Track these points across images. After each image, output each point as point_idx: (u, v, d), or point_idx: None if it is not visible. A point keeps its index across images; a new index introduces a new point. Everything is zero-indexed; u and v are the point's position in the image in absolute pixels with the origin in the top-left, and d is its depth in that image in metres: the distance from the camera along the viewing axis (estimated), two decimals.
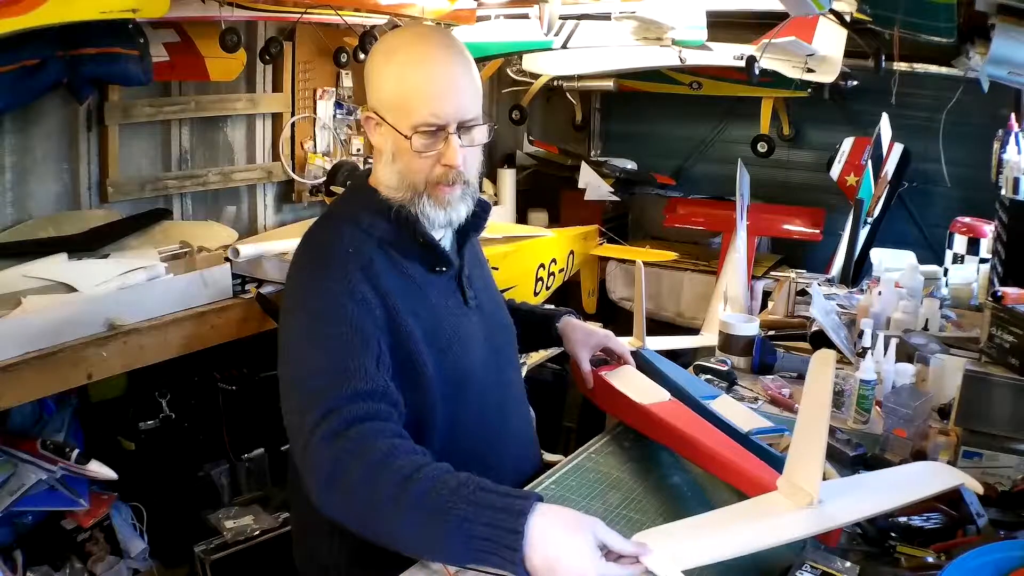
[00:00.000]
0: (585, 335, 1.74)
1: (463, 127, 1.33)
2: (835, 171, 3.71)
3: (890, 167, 3.57)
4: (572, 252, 3.83)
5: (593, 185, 4.04)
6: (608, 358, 1.82)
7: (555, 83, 4.29)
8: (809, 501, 1.16)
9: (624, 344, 1.80)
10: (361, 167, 3.29)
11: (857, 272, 3.27)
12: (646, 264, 2.23)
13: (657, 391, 1.67)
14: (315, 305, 1.28)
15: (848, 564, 1.21)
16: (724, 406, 1.67)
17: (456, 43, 1.37)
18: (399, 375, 1.28)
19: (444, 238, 1.45)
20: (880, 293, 2.45)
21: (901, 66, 3.33)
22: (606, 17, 3.26)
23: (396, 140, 1.33)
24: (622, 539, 1.05)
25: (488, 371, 1.45)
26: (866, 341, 2.11)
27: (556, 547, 1.00)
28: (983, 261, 2.82)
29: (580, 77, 4.22)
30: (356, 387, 1.18)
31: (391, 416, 1.20)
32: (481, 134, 1.36)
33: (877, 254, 3.02)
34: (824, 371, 1.16)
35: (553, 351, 3.26)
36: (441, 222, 1.38)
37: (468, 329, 1.42)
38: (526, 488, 1.48)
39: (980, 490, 1.28)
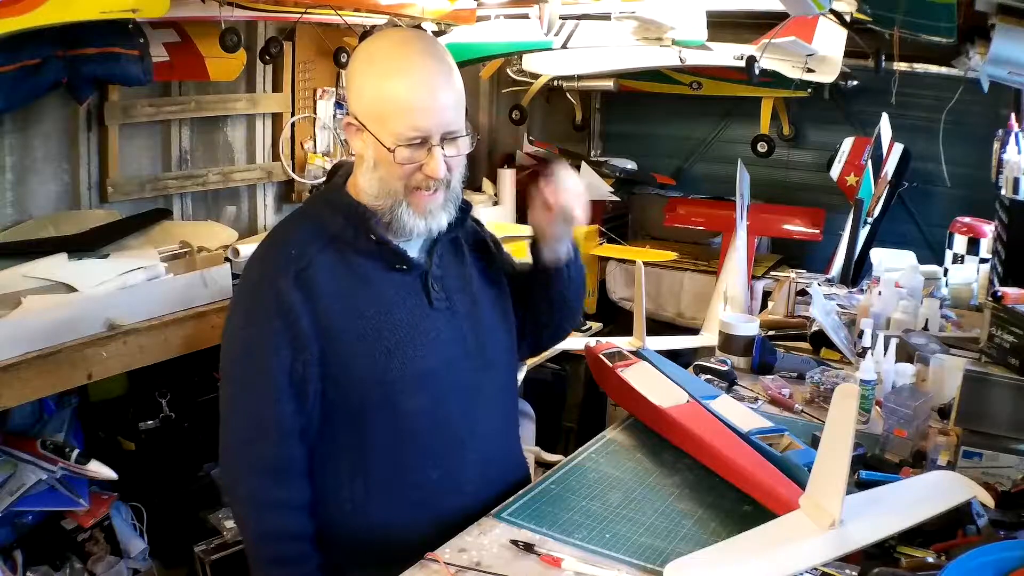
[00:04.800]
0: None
1: (446, 138, 1.33)
2: (835, 171, 3.71)
3: (890, 167, 3.57)
4: None
5: (593, 185, 4.04)
6: (616, 351, 1.84)
7: (555, 83, 4.28)
8: (831, 522, 1.19)
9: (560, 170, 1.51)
10: None
11: (857, 272, 3.27)
12: (646, 264, 2.23)
13: (674, 391, 1.68)
14: (246, 310, 1.39)
15: (848, 564, 1.21)
16: (724, 406, 1.67)
17: (438, 49, 1.36)
18: (329, 375, 1.34)
19: (413, 239, 1.44)
20: (880, 293, 2.45)
21: (901, 66, 3.32)
22: (606, 17, 3.25)
23: (377, 149, 1.33)
24: None
25: (454, 373, 1.42)
26: (866, 341, 2.11)
27: None
28: (983, 261, 2.83)
29: (580, 77, 4.22)
30: (265, 461, 1.33)
31: (286, 482, 1.34)
32: (464, 145, 1.36)
33: (877, 254, 3.02)
34: (846, 403, 1.20)
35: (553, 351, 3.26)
36: (420, 231, 1.38)
37: (429, 330, 1.40)
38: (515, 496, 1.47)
39: (991, 503, 1.29)
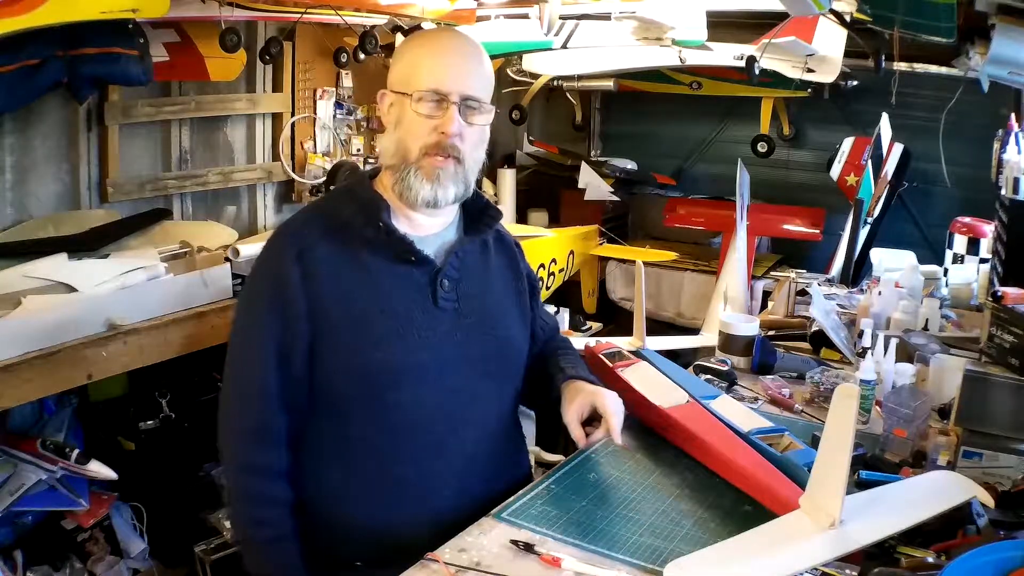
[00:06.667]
0: (574, 393, 1.53)
1: (466, 105, 1.38)
2: (835, 171, 3.71)
3: (890, 167, 3.57)
4: (572, 252, 3.83)
5: (593, 185, 4.04)
6: (616, 351, 1.83)
7: (555, 83, 4.29)
8: (831, 522, 1.20)
9: (612, 404, 1.50)
10: (361, 167, 3.29)
11: (857, 272, 3.27)
12: (646, 264, 2.23)
13: (674, 392, 1.68)
14: (249, 289, 1.48)
15: (848, 564, 1.21)
16: (724, 406, 1.67)
17: (474, 39, 1.47)
18: (317, 355, 1.37)
19: (433, 236, 1.45)
20: (880, 293, 2.45)
21: (901, 66, 3.33)
22: (606, 17, 3.26)
23: (400, 108, 1.40)
24: None
25: (447, 375, 1.41)
26: (866, 341, 2.11)
27: None
28: (983, 261, 2.83)
29: (580, 77, 4.22)
30: (247, 424, 1.39)
31: (266, 447, 1.38)
32: (483, 118, 1.41)
33: (877, 254, 3.02)
34: (846, 403, 1.21)
35: None
36: (426, 196, 1.39)
37: (426, 327, 1.39)
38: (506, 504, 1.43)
39: (991, 503, 1.29)
